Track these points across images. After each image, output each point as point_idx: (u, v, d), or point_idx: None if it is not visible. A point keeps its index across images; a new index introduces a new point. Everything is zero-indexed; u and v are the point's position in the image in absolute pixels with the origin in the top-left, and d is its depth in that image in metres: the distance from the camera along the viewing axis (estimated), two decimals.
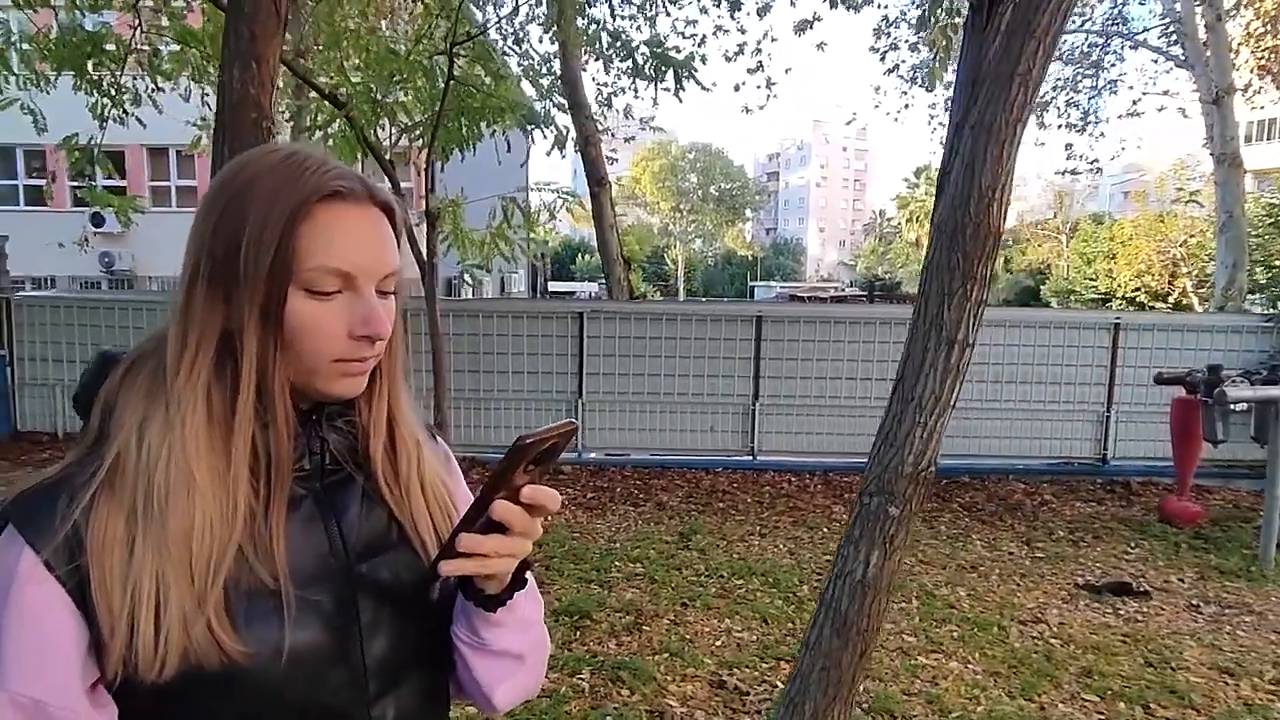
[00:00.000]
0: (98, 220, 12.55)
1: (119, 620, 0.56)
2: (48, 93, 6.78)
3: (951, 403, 1.91)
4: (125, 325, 7.23)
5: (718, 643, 3.43)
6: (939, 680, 3.11)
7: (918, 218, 34.03)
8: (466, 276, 7.07)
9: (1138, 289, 20.83)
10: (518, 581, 0.69)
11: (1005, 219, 1.87)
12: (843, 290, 39.43)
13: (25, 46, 6.52)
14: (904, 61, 9.80)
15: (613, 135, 10.57)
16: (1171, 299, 19.67)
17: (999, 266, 29.42)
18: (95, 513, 0.58)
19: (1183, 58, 9.12)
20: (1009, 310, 11.74)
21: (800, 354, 7.08)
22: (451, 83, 5.82)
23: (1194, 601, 4.13)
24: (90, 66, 6.11)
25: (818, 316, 7.25)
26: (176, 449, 0.60)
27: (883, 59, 8.78)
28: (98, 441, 0.62)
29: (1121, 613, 3.99)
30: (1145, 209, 21.75)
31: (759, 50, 8.89)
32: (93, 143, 5.98)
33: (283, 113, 7.02)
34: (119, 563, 0.57)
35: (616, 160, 10.07)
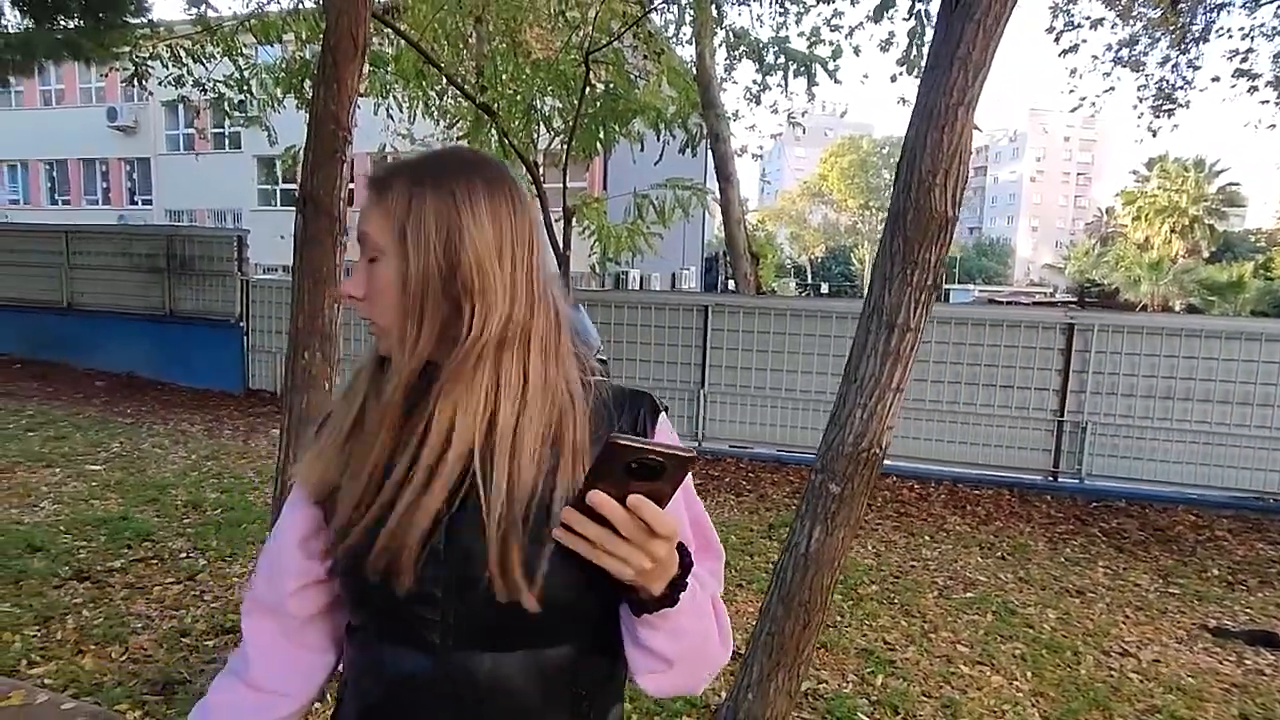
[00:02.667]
0: None
1: (332, 526, 0.89)
2: (279, 111, 8.30)
3: (894, 386, 1.93)
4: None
5: (750, 623, 3.50)
6: (969, 690, 2.96)
7: (1146, 215, 29.61)
8: (629, 270, 7.56)
9: None
10: (667, 599, 0.67)
11: (955, 205, 1.85)
12: (1051, 295, 35.50)
13: (264, 76, 8.04)
14: (1084, 41, 8.70)
15: (760, 132, 10.58)
16: None
17: (1247, 272, 25.07)
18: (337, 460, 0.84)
19: None
20: (1186, 317, 10.07)
21: (934, 355, 6.67)
22: (589, 89, 6.28)
23: None
24: (305, 88, 7.38)
25: (953, 317, 6.83)
26: (349, 414, 0.84)
27: (1057, 40, 7.94)
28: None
29: (1246, 663, 3.47)
30: None
31: (917, 34, 8.46)
32: (294, 150, 7.23)
33: (452, 127, 7.95)
34: (332, 493, 0.83)
35: (762, 156, 10.05)
